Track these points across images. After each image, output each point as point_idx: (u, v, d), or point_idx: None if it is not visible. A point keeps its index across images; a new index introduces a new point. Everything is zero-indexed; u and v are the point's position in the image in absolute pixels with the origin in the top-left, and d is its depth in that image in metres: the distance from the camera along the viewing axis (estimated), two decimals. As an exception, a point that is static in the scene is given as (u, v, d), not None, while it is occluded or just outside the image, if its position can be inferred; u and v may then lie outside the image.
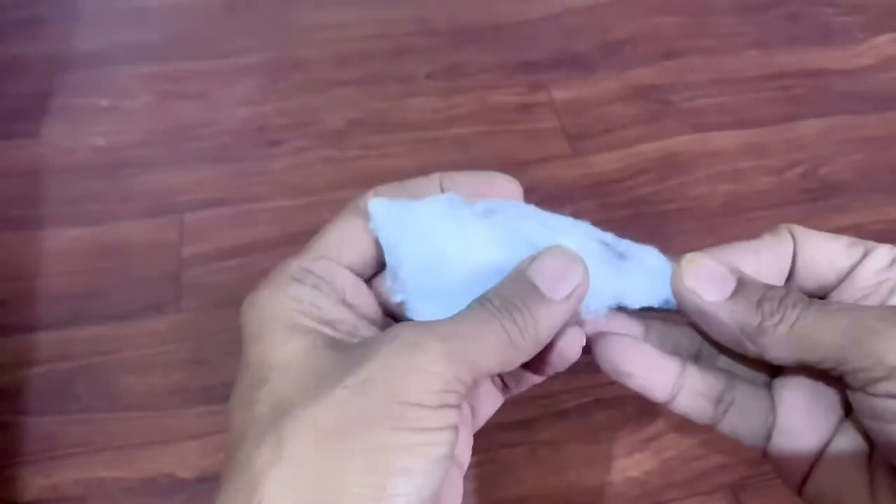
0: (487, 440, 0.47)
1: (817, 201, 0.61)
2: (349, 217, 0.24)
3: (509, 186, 0.24)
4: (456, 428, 0.20)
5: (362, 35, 0.74)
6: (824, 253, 0.24)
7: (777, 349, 0.22)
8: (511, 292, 0.21)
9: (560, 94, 0.69)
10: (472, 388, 0.20)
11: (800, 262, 0.24)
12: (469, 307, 0.21)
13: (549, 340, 0.22)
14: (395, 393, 0.19)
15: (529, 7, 0.78)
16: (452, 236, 0.22)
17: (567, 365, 0.24)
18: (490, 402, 0.26)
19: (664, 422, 0.48)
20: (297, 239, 0.58)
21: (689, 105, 0.68)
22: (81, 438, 0.47)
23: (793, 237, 0.24)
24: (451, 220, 0.23)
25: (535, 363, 0.24)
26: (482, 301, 0.21)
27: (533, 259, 0.22)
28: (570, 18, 0.77)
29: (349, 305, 0.23)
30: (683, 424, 0.48)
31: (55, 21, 0.74)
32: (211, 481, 0.46)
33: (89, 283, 0.54)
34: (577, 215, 0.27)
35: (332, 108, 0.67)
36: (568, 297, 0.22)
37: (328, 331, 0.22)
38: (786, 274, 0.25)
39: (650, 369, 0.24)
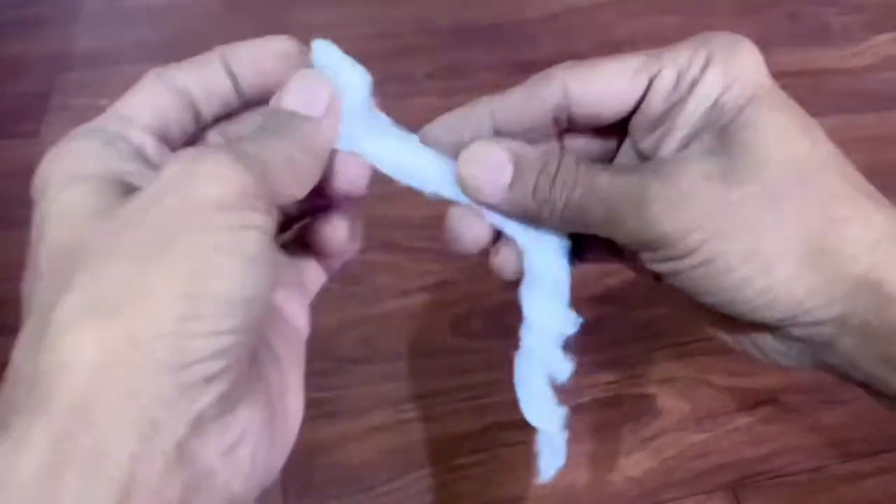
0: (487, 440, 0.47)
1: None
2: (151, 83, 0.23)
3: (286, 46, 0.24)
4: (268, 230, 0.19)
5: (362, 35, 0.74)
6: (604, 91, 0.24)
7: (555, 228, 0.25)
8: (278, 123, 0.22)
9: (560, 93, 0.69)
10: (273, 210, 0.19)
11: (575, 105, 0.24)
12: (247, 136, 0.21)
13: (325, 157, 0.23)
14: (191, 195, 0.18)
15: (529, 7, 0.78)
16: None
17: (352, 187, 0.24)
18: (315, 274, 0.27)
19: (664, 422, 0.48)
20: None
21: (688, 105, 0.68)
22: (81, 438, 0.47)
23: (563, 81, 0.24)
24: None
25: (324, 194, 0.24)
26: (255, 132, 0.21)
27: (282, 92, 0.22)
28: (570, 18, 0.77)
29: (151, 164, 0.22)
30: (683, 424, 0.48)
31: (55, 21, 0.74)
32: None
33: (89, 283, 0.54)
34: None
35: (332, 108, 0.67)
36: (328, 112, 0.23)
37: (121, 177, 0.21)
38: (546, 121, 0.25)
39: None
